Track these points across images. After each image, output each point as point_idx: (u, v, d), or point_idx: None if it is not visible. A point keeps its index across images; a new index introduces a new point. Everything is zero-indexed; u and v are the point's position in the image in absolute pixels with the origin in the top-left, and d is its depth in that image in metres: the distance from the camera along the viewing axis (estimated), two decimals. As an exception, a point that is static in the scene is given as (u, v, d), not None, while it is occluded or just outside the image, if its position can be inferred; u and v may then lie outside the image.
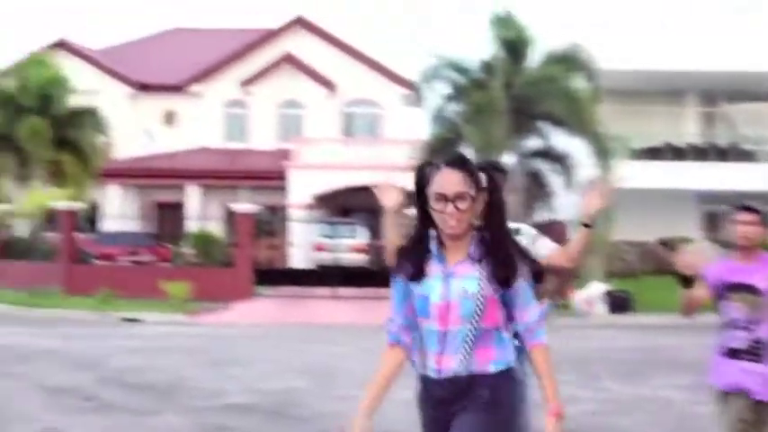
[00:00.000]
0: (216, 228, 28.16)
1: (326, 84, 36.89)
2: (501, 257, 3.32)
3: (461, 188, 3.27)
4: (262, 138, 36.78)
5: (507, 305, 3.36)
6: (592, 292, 19.63)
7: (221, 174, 34.31)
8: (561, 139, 22.17)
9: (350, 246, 28.91)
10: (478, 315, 3.27)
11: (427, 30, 78.55)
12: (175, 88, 37.22)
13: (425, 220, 3.37)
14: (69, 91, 25.26)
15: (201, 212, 33.61)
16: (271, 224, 31.09)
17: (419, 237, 3.40)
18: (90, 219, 31.43)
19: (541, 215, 22.66)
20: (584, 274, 19.45)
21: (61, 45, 37.10)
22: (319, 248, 29.13)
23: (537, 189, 22.01)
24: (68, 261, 22.60)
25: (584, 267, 19.04)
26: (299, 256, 30.36)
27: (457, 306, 3.27)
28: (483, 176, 3.36)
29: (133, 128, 36.43)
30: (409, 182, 3.53)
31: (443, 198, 3.26)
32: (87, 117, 25.72)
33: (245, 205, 24.47)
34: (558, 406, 3.29)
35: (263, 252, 28.27)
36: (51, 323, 17.57)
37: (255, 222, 24.22)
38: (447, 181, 3.27)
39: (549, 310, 3.64)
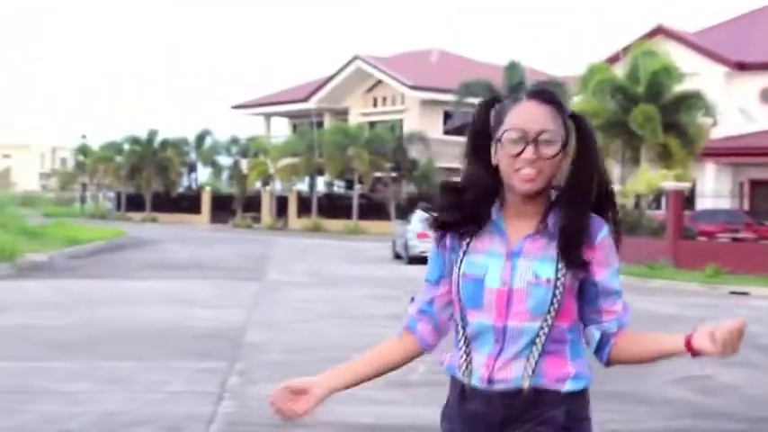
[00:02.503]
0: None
1: None
2: (577, 223, 2.29)
3: (550, 126, 2.25)
4: None
5: (584, 297, 2.36)
6: None
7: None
8: None
9: None
10: (554, 310, 2.27)
11: None
12: (774, 66, 36.88)
13: (484, 178, 2.32)
14: (676, 78, 26.77)
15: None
16: None
17: (475, 189, 2.34)
18: (687, 197, 32.74)
19: None
20: None
21: (659, 31, 38.86)
22: None
23: None
24: (676, 237, 24.20)
25: None
26: None
27: (523, 296, 2.27)
28: (571, 123, 2.32)
29: (728, 107, 36.88)
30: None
31: (522, 137, 2.23)
32: (693, 100, 27.06)
33: None
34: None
35: None
36: (664, 293, 19.26)
37: None
38: (529, 115, 2.26)
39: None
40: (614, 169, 29.86)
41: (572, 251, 2.28)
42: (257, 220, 54.16)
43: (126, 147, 61.22)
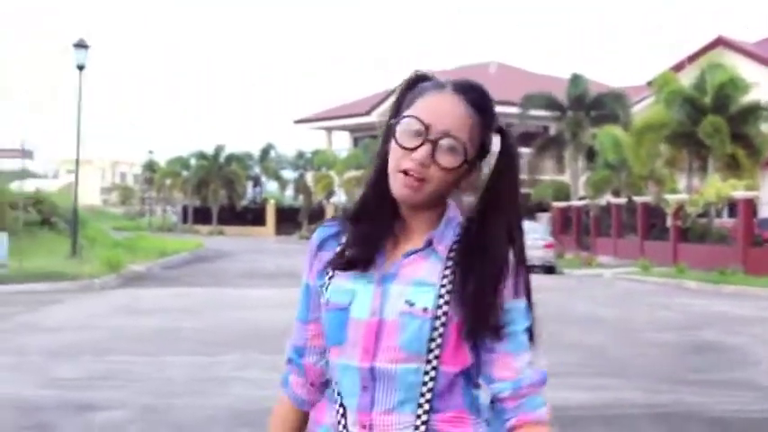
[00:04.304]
0: None
1: None
2: (487, 278, 1.76)
3: (460, 129, 1.76)
4: None
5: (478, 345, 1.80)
6: None
7: None
8: None
9: None
10: (436, 349, 1.76)
11: None
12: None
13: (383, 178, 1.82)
14: (742, 90, 27.59)
15: None
16: None
17: (375, 201, 1.85)
18: (752, 205, 33.38)
19: None
20: None
21: (719, 42, 39.59)
22: None
23: None
24: (746, 244, 25.01)
25: None
26: None
27: (395, 329, 1.76)
28: (496, 139, 1.84)
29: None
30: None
31: (421, 129, 1.75)
32: (760, 111, 27.86)
33: None
34: None
35: None
36: (739, 297, 20.11)
37: None
38: (442, 108, 1.77)
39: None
40: (681, 179, 30.74)
41: (481, 295, 1.74)
42: (321, 231, 55.53)
43: (192, 161, 63.07)
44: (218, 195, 61.06)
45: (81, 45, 22.83)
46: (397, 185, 1.76)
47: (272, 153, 60.91)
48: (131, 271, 23.22)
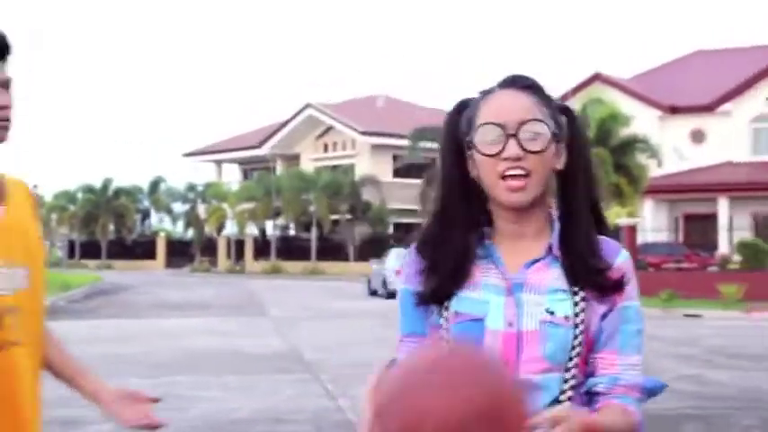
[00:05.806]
0: (746, 236, 30.78)
1: None
2: (588, 248, 1.79)
3: (531, 115, 1.76)
4: (791, 150, 38.19)
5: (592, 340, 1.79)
6: None
7: (749, 186, 36.59)
8: None
9: None
10: (578, 358, 1.75)
11: None
12: (704, 108, 40.11)
13: (465, 198, 1.84)
14: (623, 124, 29.54)
15: (729, 222, 36.32)
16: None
17: (451, 220, 1.83)
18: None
19: None
20: None
21: (597, 77, 41.88)
22: None
23: None
24: (631, 267, 26.70)
25: None
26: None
27: (537, 339, 1.74)
28: (563, 119, 1.84)
29: (662, 148, 39.92)
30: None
31: (498, 131, 1.75)
32: (639, 144, 29.86)
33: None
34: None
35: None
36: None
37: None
38: (505, 104, 1.78)
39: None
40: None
41: (593, 275, 1.76)
42: (214, 264, 55.65)
43: (79, 195, 62.34)
44: (106, 229, 60.56)
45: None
46: (502, 192, 1.76)
47: (162, 186, 60.77)
48: (39, 305, 23.22)
